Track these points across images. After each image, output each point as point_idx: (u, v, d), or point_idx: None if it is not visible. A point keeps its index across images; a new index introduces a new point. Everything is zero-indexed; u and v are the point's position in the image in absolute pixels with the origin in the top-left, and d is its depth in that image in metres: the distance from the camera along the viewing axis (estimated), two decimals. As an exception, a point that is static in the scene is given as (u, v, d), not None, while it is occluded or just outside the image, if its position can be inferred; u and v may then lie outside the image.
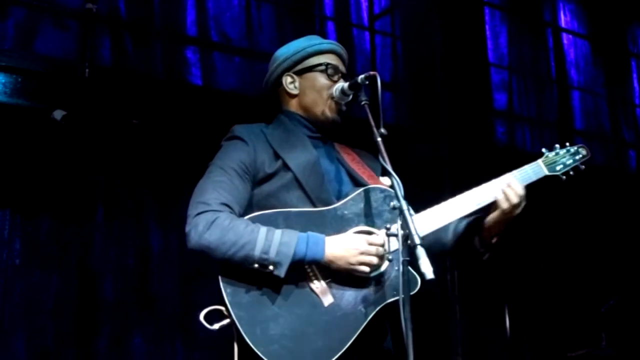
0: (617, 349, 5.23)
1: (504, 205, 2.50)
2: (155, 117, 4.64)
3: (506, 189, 2.51)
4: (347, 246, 2.32)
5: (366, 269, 2.34)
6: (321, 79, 2.62)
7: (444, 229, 2.57)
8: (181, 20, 5.14)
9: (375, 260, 2.33)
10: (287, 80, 2.67)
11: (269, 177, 2.49)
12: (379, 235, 2.38)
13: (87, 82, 4.40)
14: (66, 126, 4.25)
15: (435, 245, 2.61)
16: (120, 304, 4.55)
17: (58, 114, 4.21)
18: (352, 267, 2.33)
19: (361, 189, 2.50)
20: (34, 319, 4.34)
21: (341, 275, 2.36)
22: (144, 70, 4.84)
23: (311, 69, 2.64)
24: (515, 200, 2.50)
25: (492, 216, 2.55)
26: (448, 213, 2.51)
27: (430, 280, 2.03)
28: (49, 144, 4.39)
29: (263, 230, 2.30)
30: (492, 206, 2.55)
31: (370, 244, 2.33)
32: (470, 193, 2.54)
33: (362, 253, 2.32)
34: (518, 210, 2.53)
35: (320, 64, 2.63)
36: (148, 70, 4.85)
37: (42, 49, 4.54)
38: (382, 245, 2.34)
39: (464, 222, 2.63)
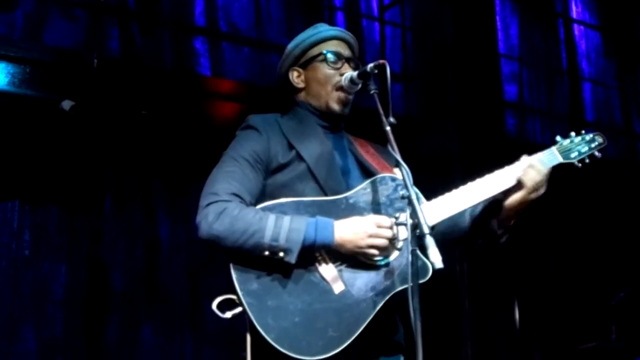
0: (627, 341, 5.21)
1: (529, 184, 2.47)
2: (163, 108, 4.64)
3: (529, 169, 2.48)
4: (356, 229, 2.31)
5: (375, 251, 2.33)
6: (323, 69, 2.60)
7: (461, 213, 2.55)
8: (189, 10, 5.13)
9: (384, 242, 2.32)
10: (293, 75, 2.65)
11: (282, 167, 2.48)
12: (389, 219, 2.37)
13: (95, 73, 4.40)
14: (75, 116, 4.25)
15: (452, 230, 2.57)
16: (130, 294, 4.57)
17: (67, 104, 4.22)
18: (361, 250, 2.32)
19: (372, 178, 2.48)
20: (44, 309, 4.36)
21: (351, 263, 2.36)
22: (153, 60, 4.84)
23: (313, 60, 2.62)
24: (539, 178, 2.47)
25: (514, 197, 2.51)
26: (465, 199, 2.49)
27: (439, 269, 2.02)
28: (57, 135, 4.39)
29: (272, 217, 2.30)
30: (512, 190, 2.51)
31: (379, 227, 2.32)
32: (486, 179, 2.52)
33: (370, 236, 2.30)
34: (542, 191, 2.50)
35: (320, 54, 2.61)
36: (156, 61, 4.85)
37: (51, 40, 4.54)
38: (392, 228, 2.33)
39: (481, 206, 2.61)
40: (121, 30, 4.79)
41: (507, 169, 2.53)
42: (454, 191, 2.49)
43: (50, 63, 4.33)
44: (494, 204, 2.57)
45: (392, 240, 2.36)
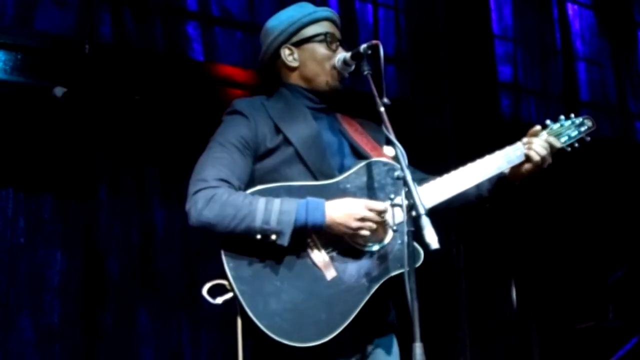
0: (624, 321, 5.23)
1: (536, 158, 2.54)
2: (156, 94, 4.61)
3: (532, 145, 2.56)
4: (347, 210, 2.30)
5: (365, 233, 2.33)
6: (321, 49, 2.60)
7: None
8: (181, -5, 5.09)
9: (373, 226, 2.31)
10: (285, 52, 2.63)
11: (270, 152, 2.48)
12: (381, 204, 2.36)
13: (87, 59, 4.38)
14: (67, 103, 4.22)
15: (458, 198, 2.56)
16: (126, 281, 4.56)
17: (59, 91, 4.19)
18: (352, 231, 2.31)
19: (364, 162, 2.48)
20: (40, 297, 4.35)
21: (344, 249, 2.36)
22: (145, 46, 4.80)
23: (309, 39, 2.61)
24: (544, 152, 2.55)
25: (522, 168, 2.59)
26: (463, 181, 2.50)
27: (436, 249, 2.02)
28: (50, 121, 4.37)
29: (262, 200, 2.29)
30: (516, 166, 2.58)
31: (370, 210, 2.31)
32: (486, 160, 2.54)
33: (361, 219, 2.30)
34: (549, 161, 2.58)
35: (318, 34, 2.60)
36: (149, 46, 4.81)
37: (42, 26, 4.50)
38: (382, 212, 2.32)
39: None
40: (113, 15, 4.74)
41: (507, 149, 2.56)
42: (452, 173, 2.50)
43: (41, 49, 4.30)
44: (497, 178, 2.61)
45: (383, 224, 2.36)
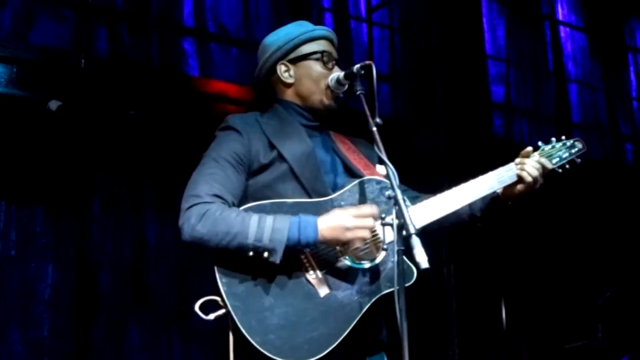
0: (613, 341, 5.24)
1: (528, 179, 2.57)
2: (151, 109, 4.62)
3: (524, 165, 2.58)
4: (337, 222, 2.29)
5: (359, 244, 2.34)
6: (317, 67, 2.61)
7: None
8: (178, 11, 5.12)
9: (366, 233, 2.32)
10: (281, 69, 2.64)
11: (264, 168, 2.47)
12: (368, 208, 2.37)
13: (83, 73, 4.39)
14: (62, 117, 4.23)
15: (450, 217, 2.57)
16: (117, 295, 4.55)
17: (53, 105, 4.20)
18: (344, 244, 2.32)
19: (357, 180, 2.48)
20: (30, 310, 4.33)
21: (337, 267, 2.36)
22: (141, 61, 4.82)
23: (306, 57, 2.62)
24: (536, 173, 2.58)
25: (514, 188, 2.62)
26: (455, 200, 2.52)
27: (426, 269, 2.02)
28: (44, 135, 4.37)
29: (255, 218, 2.29)
30: (508, 186, 2.61)
31: (358, 217, 2.30)
32: (479, 180, 2.56)
33: (351, 228, 2.28)
34: (540, 182, 2.61)
35: (315, 52, 2.61)
36: (144, 61, 4.84)
37: (38, 39, 4.52)
38: (371, 215, 2.32)
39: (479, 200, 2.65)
40: (109, 30, 4.77)
41: (499, 170, 2.59)
42: (444, 193, 2.51)
43: (37, 63, 4.31)
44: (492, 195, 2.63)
45: (376, 242, 2.37)
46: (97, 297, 4.50)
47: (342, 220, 2.29)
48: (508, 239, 5.64)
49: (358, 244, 2.34)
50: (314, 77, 2.60)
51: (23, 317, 4.29)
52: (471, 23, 6.06)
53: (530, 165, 2.58)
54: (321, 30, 2.68)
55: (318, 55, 2.60)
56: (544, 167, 2.61)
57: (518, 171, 2.58)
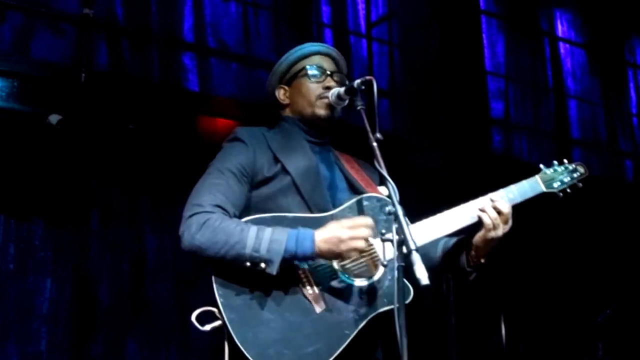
0: (613, 358, 5.22)
1: (487, 221, 2.45)
2: (151, 123, 4.64)
3: (488, 208, 2.47)
4: (333, 234, 2.28)
5: (355, 254, 2.34)
6: (306, 84, 2.64)
7: (433, 244, 2.55)
8: (178, 26, 5.14)
9: (361, 244, 2.31)
10: (280, 93, 2.72)
11: (267, 181, 2.49)
12: (362, 218, 2.36)
13: (83, 87, 4.40)
14: (62, 130, 4.25)
15: (423, 259, 2.55)
16: (115, 309, 4.54)
17: (54, 119, 4.21)
18: (341, 256, 2.32)
19: (358, 197, 2.49)
20: (28, 324, 4.32)
21: (335, 284, 2.36)
22: (141, 75, 4.84)
23: (296, 76, 2.67)
24: (497, 220, 2.45)
25: (479, 234, 2.51)
26: (439, 227, 2.48)
27: (426, 286, 2.01)
28: (44, 149, 4.38)
29: (253, 229, 2.30)
30: (476, 226, 2.51)
31: (353, 227, 2.29)
32: (464, 207, 2.52)
33: (347, 238, 2.27)
34: (504, 229, 2.47)
35: (302, 69, 2.65)
36: (145, 76, 4.85)
37: (39, 54, 4.54)
38: (364, 226, 2.31)
39: (454, 239, 2.61)
40: (110, 45, 4.79)
41: (479, 200, 2.51)
42: (430, 218, 2.49)
43: (38, 77, 4.33)
44: (468, 238, 2.56)
45: (374, 260, 2.37)
46: (96, 311, 4.49)
47: (336, 232, 2.29)
48: (507, 256, 5.63)
49: (354, 255, 2.34)
50: (304, 93, 2.65)
51: (21, 331, 4.28)
52: (471, 39, 6.08)
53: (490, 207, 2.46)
54: (312, 46, 2.72)
55: (303, 72, 2.64)
56: (499, 212, 2.46)
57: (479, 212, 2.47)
